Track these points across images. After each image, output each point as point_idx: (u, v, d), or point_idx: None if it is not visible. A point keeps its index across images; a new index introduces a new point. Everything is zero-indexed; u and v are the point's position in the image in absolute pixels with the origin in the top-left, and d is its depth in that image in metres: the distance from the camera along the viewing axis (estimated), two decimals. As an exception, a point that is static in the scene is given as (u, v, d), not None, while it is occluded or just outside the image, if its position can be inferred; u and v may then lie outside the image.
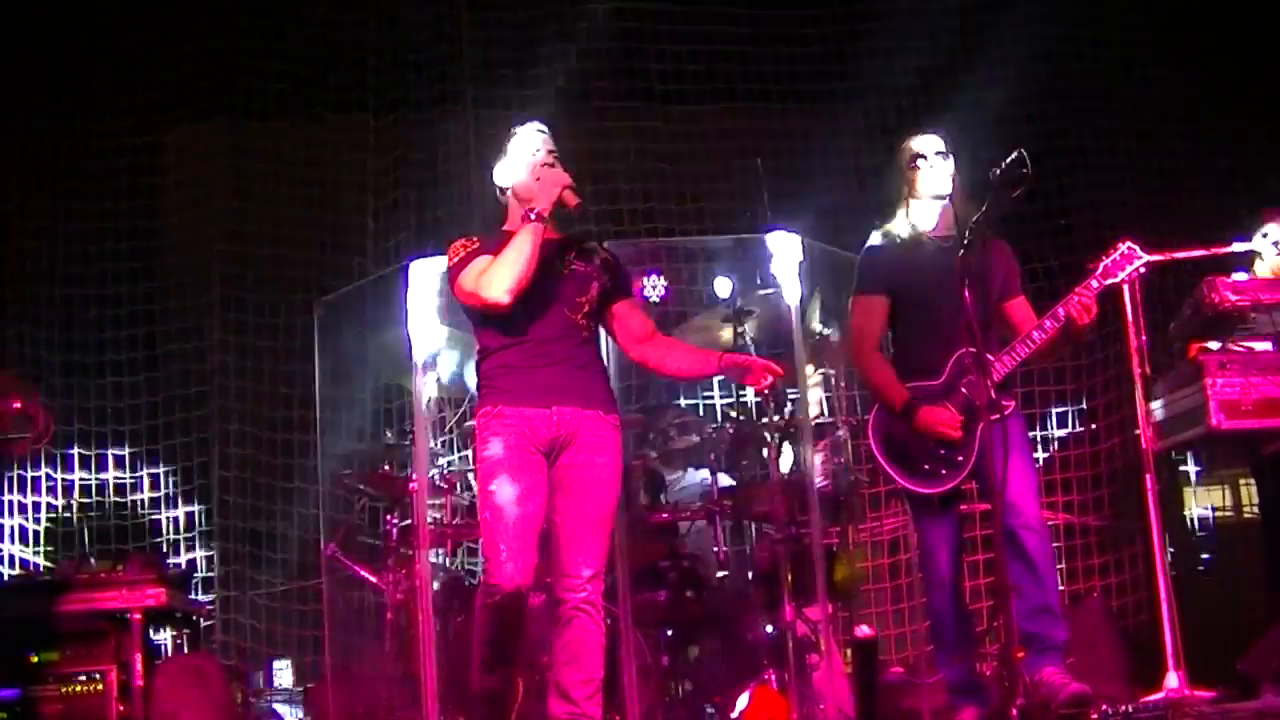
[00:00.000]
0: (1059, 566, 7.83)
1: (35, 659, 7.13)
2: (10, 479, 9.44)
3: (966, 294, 5.50)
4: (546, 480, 5.67)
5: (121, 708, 7.11)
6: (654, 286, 8.32)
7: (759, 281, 7.54)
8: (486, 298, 5.59)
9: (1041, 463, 8.98)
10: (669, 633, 7.28)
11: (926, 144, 6.32)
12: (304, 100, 10.79)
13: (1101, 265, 6.10)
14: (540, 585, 5.90)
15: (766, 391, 6.00)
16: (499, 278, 5.56)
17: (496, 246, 5.71)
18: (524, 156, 5.92)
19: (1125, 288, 6.63)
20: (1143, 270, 6.16)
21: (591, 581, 5.65)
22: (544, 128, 6.02)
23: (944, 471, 6.12)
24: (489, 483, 5.61)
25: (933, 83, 10.49)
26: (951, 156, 6.30)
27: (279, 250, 10.45)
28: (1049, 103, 10.44)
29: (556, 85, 10.59)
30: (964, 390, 6.08)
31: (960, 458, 6.10)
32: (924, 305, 6.23)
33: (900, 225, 6.37)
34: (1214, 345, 6.81)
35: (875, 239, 6.46)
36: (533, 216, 5.64)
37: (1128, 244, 6.13)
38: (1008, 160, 5.60)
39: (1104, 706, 5.90)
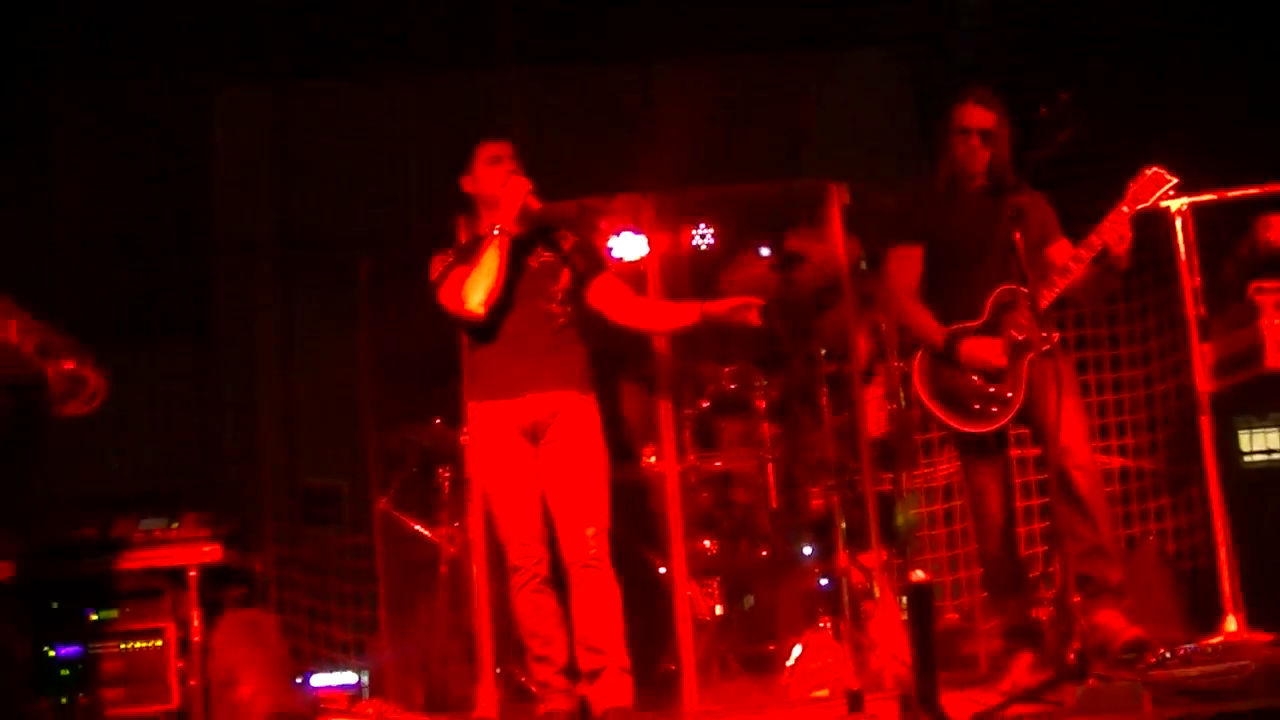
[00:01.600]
0: (1114, 510, 7.77)
1: (94, 617, 7.18)
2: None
3: (1017, 235, 5.44)
4: (534, 462, 6.10)
5: (180, 663, 7.14)
6: (702, 235, 8.30)
7: (806, 229, 7.50)
8: (464, 311, 6.08)
9: (1095, 407, 8.90)
10: (722, 582, 7.29)
11: (974, 119, 6.25)
12: (350, 59, 10.75)
13: (1130, 191, 6.03)
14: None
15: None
16: (473, 293, 6.05)
17: (471, 256, 6.17)
18: (487, 167, 6.30)
19: (1179, 228, 6.59)
20: (1187, 203, 6.10)
21: (595, 539, 5.95)
22: (504, 138, 6.39)
23: (994, 409, 6.10)
24: (485, 481, 6.25)
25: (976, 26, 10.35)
26: (996, 132, 6.21)
27: (326, 209, 10.45)
28: (1091, 40, 10.28)
29: (601, 39, 10.52)
30: (1006, 326, 6.05)
31: (1009, 394, 6.07)
32: (961, 253, 6.22)
33: (939, 175, 6.34)
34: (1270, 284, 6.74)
35: (915, 189, 6.44)
36: (496, 231, 6.07)
37: (1154, 169, 6.07)
38: (1054, 103, 5.54)
39: (1161, 650, 5.86)
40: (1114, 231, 5.93)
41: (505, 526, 6.08)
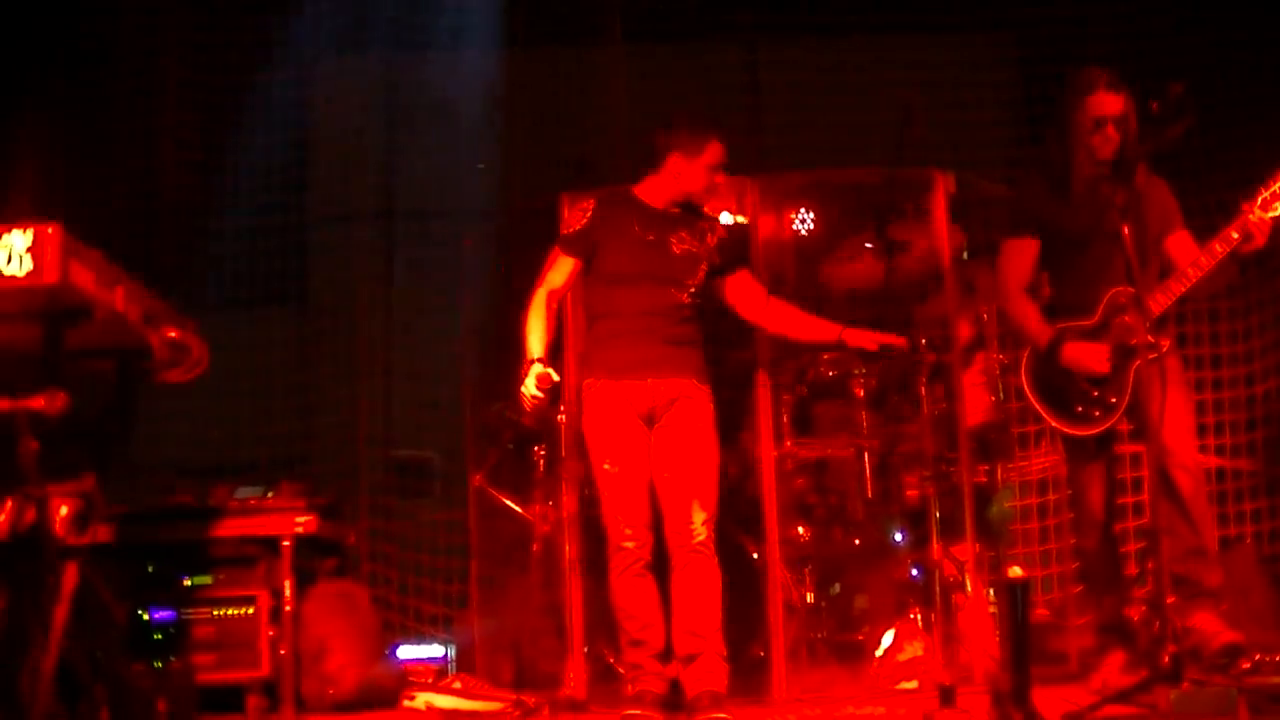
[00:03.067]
0: (1212, 511, 7.68)
1: (188, 583, 7.26)
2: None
3: (1125, 230, 5.36)
4: (648, 445, 6.08)
5: (272, 632, 7.21)
6: (802, 220, 8.28)
7: (911, 216, 7.46)
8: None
9: (1197, 404, 8.81)
10: (814, 569, 7.28)
11: (1108, 107, 6.06)
12: (452, 33, 10.79)
13: (1260, 197, 5.90)
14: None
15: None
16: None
17: (613, 212, 6.18)
18: (704, 172, 6.22)
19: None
20: None
21: (705, 524, 5.95)
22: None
23: (1097, 414, 6.03)
24: (598, 459, 6.11)
25: (1091, 13, 10.22)
26: (1127, 116, 6.08)
27: (429, 182, 10.48)
28: (1212, 26, 10.11)
29: (705, 18, 10.49)
30: (1116, 330, 5.98)
31: (1113, 399, 6.00)
32: (1077, 244, 6.13)
33: (1055, 164, 6.25)
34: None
35: (1027, 179, 6.36)
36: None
37: None
38: (1168, 96, 5.45)
39: (1257, 656, 5.79)
40: (1256, 224, 5.79)
41: (613, 508, 6.03)
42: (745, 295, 6.38)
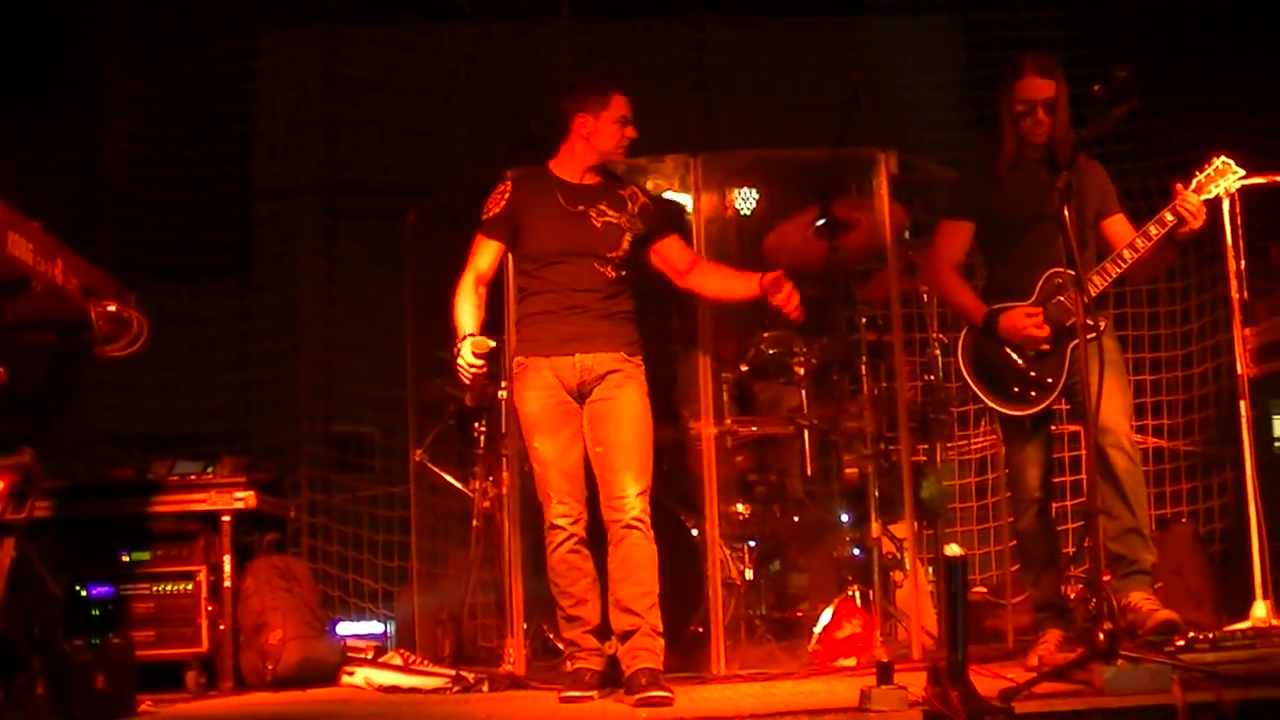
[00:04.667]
0: (1149, 491, 7.75)
1: (127, 558, 7.24)
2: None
3: (1066, 212, 5.38)
4: (580, 422, 6.05)
5: (211, 607, 7.20)
6: (745, 199, 8.29)
7: (853, 197, 7.48)
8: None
9: (1133, 386, 8.89)
10: (754, 546, 7.30)
11: (1036, 91, 6.08)
12: (398, 6, 10.73)
13: (1195, 180, 5.97)
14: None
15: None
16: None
17: (531, 191, 6.16)
18: (613, 128, 6.14)
19: (1225, 211, 6.55)
20: (1238, 185, 6.03)
21: (639, 497, 5.92)
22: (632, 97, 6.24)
23: (1033, 394, 6.06)
24: (531, 438, 6.09)
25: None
26: (1057, 100, 6.11)
27: (372, 157, 10.44)
28: (1149, 16, 10.18)
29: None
30: (1054, 310, 6.02)
31: (1050, 379, 6.03)
32: (1015, 228, 6.14)
33: (994, 147, 6.28)
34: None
35: (968, 163, 6.39)
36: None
37: (1222, 158, 6.01)
38: (1112, 80, 5.48)
39: (1190, 634, 5.85)
40: (1188, 209, 5.85)
41: (547, 484, 6.03)
42: (674, 262, 6.31)
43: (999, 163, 6.19)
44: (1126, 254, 5.95)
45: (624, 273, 6.13)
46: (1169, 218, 5.87)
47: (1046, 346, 6.02)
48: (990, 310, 6.10)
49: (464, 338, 5.89)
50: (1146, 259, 5.98)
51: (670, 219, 6.45)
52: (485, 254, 6.16)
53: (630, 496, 5.91)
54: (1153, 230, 5.90)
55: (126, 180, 10.19)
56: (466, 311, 6.00)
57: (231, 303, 10.29)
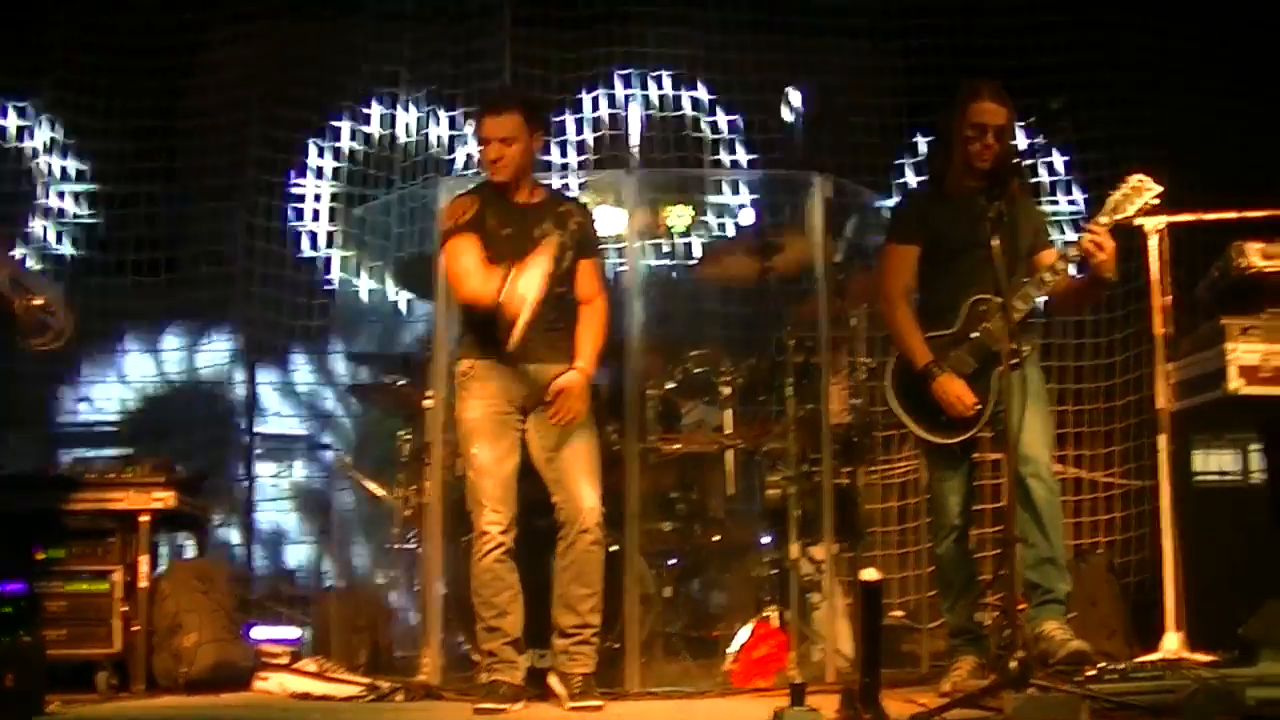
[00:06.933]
0: (1066, 521, 7.79)
1: (42, 555, 7.17)
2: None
3: (996, 241, 5.40)
4: (519, 434, 6.18)
5: (125, 608, 7.15)
6: (679, 216, 8.31)
7: (787, 218, 7.51)
8: (474, 298, 6.07)
9: (1055, 416, 8.95)
10: (674, 564, 7.30)
11: (988, 116, 6.12)
12: (341, 7, 10.68)
13: (1111, 200, 6.04)
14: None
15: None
16: (506, 291, 5.91)
17: (483, 207, 6.19)
18: (480, 145, 6.27)
19: (1153, 247, 6.62)
20: (1155, 203, 6.07)
21: (597, 503, 6.10)
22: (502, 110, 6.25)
23: (959, 422, 6.10)
24: (469, 445, 6.17)
25: (976, 24, 10.31)
26: (1008, 127, 6.15)
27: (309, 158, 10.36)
28: (1081, 50, 10.23)
29: (595, 5, 10.46)
30: (979, 337, 6.05)
31: (977, 407, 6.07)
32: (951, 253, 6.18)
33: (940, 170, 6.31)
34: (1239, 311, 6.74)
35: (912, 187, 6.40)
36: (555, 238, 6.10)
37: (1138, 176, 6.07)
38: (1046, 111, 5.53)
39: (1101, 664, 5.90)
40: (1093, 242, 5.92)
41: (480, 491, 6.08)
42: (579, 286, 6.32)
43: (948, 186, 6.22)
44: (1047, 277, 6.02)
45: (563, 289, 6.20)
46: (1074, 252, 5.99)
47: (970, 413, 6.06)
48: (931, 363, 6.11)
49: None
50: (1067, 293, 6.07)
51: (595, 242, 6.50)
52: (473, 249, 6.14)
53: (590, 502, 6.06)
54: (1071, 253, 6.01)
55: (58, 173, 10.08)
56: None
57: (160, 298, 10.18)
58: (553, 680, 6.19)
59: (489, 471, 6.08)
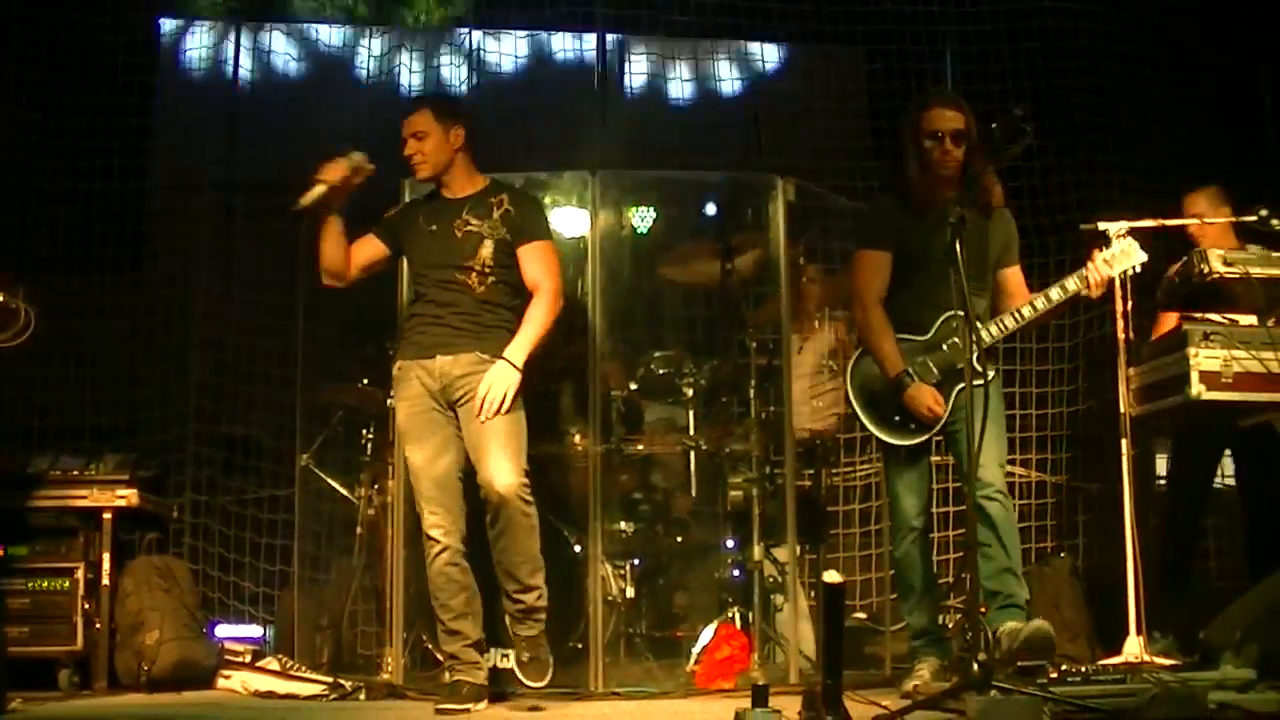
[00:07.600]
0: (1029, 525, 7.84)
1: (3, 552, 7.14)
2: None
3: (958, 247, 5.40)
4: (452, 429, 6.17)
5: (87, 605, 7.13)
6: (643, 218, 8.31)
7: (749, 220, 7.53)
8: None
9: (1018, 421, 8.99)
10: (637, 564, 7.31)
11: (944, 122, 6.14)
12: (307, 8, 10.67)
13: (1099, 258, 6.14)
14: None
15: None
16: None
17: (414, 210, 6.47)
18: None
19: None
20: (1137, 270, 6.20)
21: (515, 475, 6.00)
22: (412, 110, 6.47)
23: (913, 425, 6.13)
24: (403, 447, 6.32)
25: (940, 31, 10.34)
26: (966, 132, 6.17)
27: (269, 156, 10.34)
28: (1047, 58, 10.26)
29: (559, 9, 10.46)
30: (947, 350, 6.09)
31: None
32: (919, 262, 6.18)
33: (905, 181, 6.31)
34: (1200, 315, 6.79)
35: (882, 194, 6.42)
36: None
37: (1128, 239, 6.19)
38: (1006, 117, 5.54)
39: (1064, 666, 5.93)
40: (1096, 282, 6.05)
41: (419, 494, 6.15)
42: (524, 272, 6.26)
43: (912, 193, 6.24)
44: (1026, 311, 6.11)
45: (494, 280, 6.20)
46: (1071, 286, 6.06)
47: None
48: (904, 372, 6.12)
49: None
50: (1043, 317, 6.14)
51: (531, 228, 6.33)
52: (363, 244, 6.39)
53: (504, 479, 5.96)
54: (1054, 295, 6.11)
55: (21, 169, 10.02)
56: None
57: (123, 298, 10.13)
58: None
59: (421, 472, 6.13)
